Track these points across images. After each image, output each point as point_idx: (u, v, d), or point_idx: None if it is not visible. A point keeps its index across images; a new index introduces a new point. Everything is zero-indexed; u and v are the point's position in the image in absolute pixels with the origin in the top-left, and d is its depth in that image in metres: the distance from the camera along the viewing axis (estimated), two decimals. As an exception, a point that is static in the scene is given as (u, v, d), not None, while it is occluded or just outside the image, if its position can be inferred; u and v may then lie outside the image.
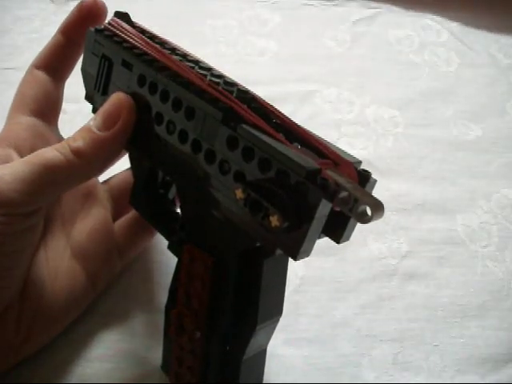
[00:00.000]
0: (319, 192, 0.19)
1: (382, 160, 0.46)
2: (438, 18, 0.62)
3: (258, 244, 0.23)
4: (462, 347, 0.35)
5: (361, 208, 0.19)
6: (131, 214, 0.34)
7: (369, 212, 0.19)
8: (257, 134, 0.21)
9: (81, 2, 0.30)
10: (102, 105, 0.27)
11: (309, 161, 0.20)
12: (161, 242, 0.36)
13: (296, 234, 0.20)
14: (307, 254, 0.21)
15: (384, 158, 0.46)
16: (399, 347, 0.34)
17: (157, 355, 0.31)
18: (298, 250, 0.20)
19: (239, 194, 0.21)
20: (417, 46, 0.58)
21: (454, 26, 0.61)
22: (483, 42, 0.60)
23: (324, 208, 0.20)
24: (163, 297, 0.34)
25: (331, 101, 0.51)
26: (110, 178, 0.35)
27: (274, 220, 0.19)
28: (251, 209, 0.20)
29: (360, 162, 0.23)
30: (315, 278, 0.37)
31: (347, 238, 0.23)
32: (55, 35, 0.31)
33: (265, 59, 0.54)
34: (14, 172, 0.24)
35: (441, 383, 0.33)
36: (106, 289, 0.34)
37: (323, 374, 0.33)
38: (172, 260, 0.29)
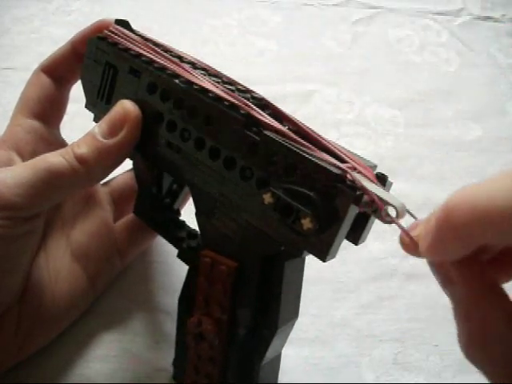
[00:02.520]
0: (350, 194, 0.19)
1: (382, 160, 0.46)
2: (439, 18, 0.62)
3: (282, 248, 0.23)
4: (463, 347, 0.35)
5: (385, 209, 0.19)
6: (131, 215, 0.34)
7: (392, 213, 0.19)
8: (280, 139, 0.21)
9: (99, 20, 0.30)
10: (105, 113, 0.27)
11: (334, 165, 0.20)
12: (160, 242, 0.36)
13: (326, 235, 0.20)
14: (334, 255, 0.21)
15: (384, 158, 0.46)
16: (399, 347, 0.34)
17: (157, 355, 0.31)
18: (327, 251, 0.21)
19: (268, 198, 0.21)
20: (417, 46, 0.58)
21: (454, 25, 0.61)
22: (483, 42, 0.60)
23: (352, 209, 0.20)
24: (163, 297, 0.34)
25: (331, 101, 0.51)
26: (111, 179, 0.35)
27: (307, 222, 0.20)
28: (281, 213, 0.20)
29: (375, 166, 0.23)
30: (315, 278, 0.37)
31: (364, 240, 0.23)
32: (65, 45, 0.31)
33: (265, 59, 0.54)
34: (16, 175, 0.24)
35: (441, 383, 0.33)
36: (106, 289, 0.34)
37: (323, 374, 0.33)
38: (171, 260, 0.29)
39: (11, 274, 0.26)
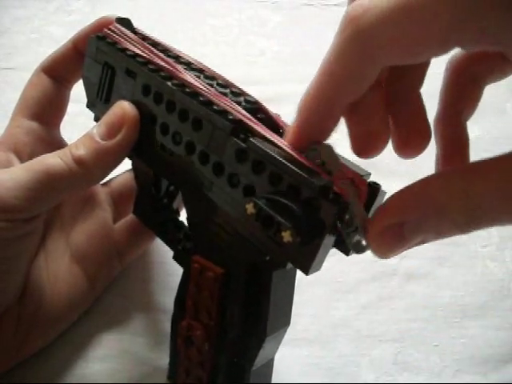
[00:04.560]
0: (333, 208, 0.19)
1: (382, 160, 0.46)
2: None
3: (267, 257, 0.23)
4: (462, 347, 0.35)
5: (356, 238, 0.19)
6: (131, 216, 0.34)
7: (364, 243, 0.19)
8: (267, 147, 0.21)
9: (101, 18, 0.29)
10: (104, 113, 0.26)
11: (320, 176, 0.20)
12: (160, 242, 0.36)
13: (308, 249, 0.20)
14: (318, 268, 0.21)
15: (384, 158, 0.46)
16: (399, 347, 0.34)
17: (156, 355, 0.31)
18: (309, 265, 0.20)
19: (250, 208, 0.20)
20: (417, 46, 0.58)
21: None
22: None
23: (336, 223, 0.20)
24: (162, 297, 0.34)
25: (331, 101, 0.51)
26: (110, 180, 0.35)
27: (287, 235, 0.19)
28: (263, 224, 0.20)
29: (369, 174, 0.23)
30: (315, 278, 0.37)
31: None
32: (66, 44, 0.31)
33: (265, 59, 0.54)
34: (14, 178, 0.24)
35: (441, 383, 0.33)
36: (105, 289, 0.34)
37: (323, 374, 0.33)
38: (170, 260, 0.29)
39: (11, 275, 0.26)
